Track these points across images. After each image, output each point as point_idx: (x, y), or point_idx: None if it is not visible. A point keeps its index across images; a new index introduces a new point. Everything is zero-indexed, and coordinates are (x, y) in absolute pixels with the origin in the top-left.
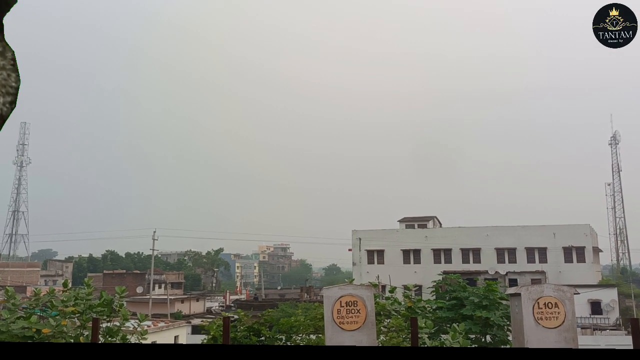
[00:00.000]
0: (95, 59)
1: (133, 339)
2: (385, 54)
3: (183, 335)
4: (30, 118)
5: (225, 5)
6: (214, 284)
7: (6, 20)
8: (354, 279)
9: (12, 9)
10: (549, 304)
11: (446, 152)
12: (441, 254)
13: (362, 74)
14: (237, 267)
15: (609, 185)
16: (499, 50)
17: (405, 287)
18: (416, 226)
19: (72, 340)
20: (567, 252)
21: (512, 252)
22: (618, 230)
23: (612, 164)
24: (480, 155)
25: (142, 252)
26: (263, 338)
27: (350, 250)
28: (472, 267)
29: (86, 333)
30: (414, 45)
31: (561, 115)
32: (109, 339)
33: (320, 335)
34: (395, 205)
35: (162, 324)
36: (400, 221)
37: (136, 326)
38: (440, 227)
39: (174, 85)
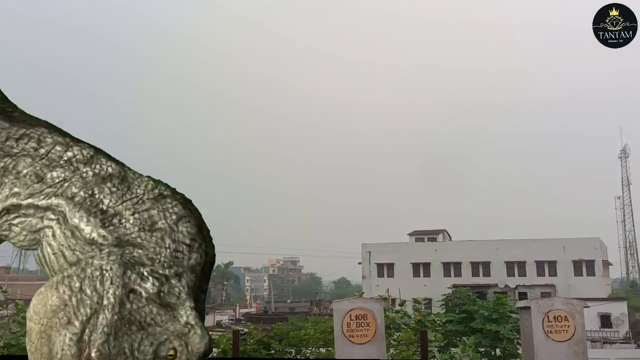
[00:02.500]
0: (104, 72)
1: None
2: (393, 67)
3: None
4: None
5: (234, 18)
6: (223, 297)
7: (19, 34)
8: (363, 292)
9: (25, 23)
10: (559, 317)
11: (455, 164)
12: (451, 267)
13: (371, 86)
14: (247, 280)
15: (619, 198)
16: (507, 62)
17: (415, 301)
18: (426, 239)
19: None
20: (577, 266)
21: (521, 265)
22: (628, 244)
23: (622, 177)
24: (489, 168)
25: None
26: (273, 351)
27: (360, 263)
28: (481, 280)
29: None
30: (423, 58)
31: (570, 128)
32: None
33: (330, 348)
34: (404, 218)
35: None
36: (410, 234)
37: None
38: (450, 240)
39: (183, 97)
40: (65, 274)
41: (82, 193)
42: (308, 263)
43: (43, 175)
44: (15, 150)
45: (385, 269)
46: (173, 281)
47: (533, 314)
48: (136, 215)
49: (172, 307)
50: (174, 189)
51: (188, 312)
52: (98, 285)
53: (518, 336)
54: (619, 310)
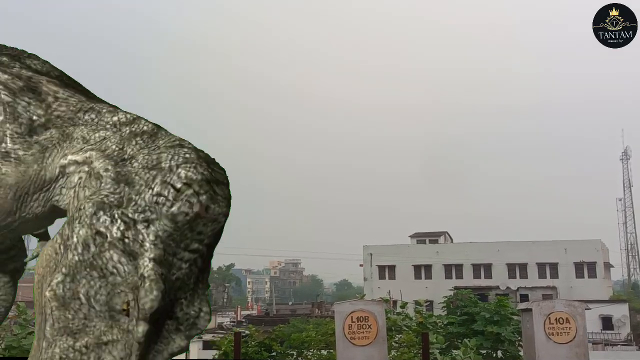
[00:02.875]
0: (105, 72)
1: None
2: (395, 68)
3: (194, 351)
4: None
5: (234, 19)
6: (225, 300)
7: (19, 35)
8: (365, 295)
9: (25, 24)
10: (560, 320)
11: (457, 166)
12: (452, 270)
13: (372, 88)
14: (248, 282)
15: (620, 200)
16: (509, 63)
17: (417, 303)
18: (427, 241)
19: None
20: (579, 268)
21: (523, 267)
22: (629, 246)
23: (623, 179)
24: (491, 169)
25: None
26: (274, 353)
27: (361, 265)
28: (483, 282)
29: None
30: (425, 59)
31: (572, 129)
32: None
33: (331, 350)
34: (406, 219)
35: None
36: (411, 236)
37: None
38: (452, 242)
39: (183, 97)
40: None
41: (114, 146)
42: (309, 265)
43: (89, 137)
44: (80, 121)
45: (387, 271)
46: (139, 227)
47: (534, 316)
48: (147, 157)
49: (134, 256)
50: (202, 151)
51: (145, 264)
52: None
53: (519, 338)
54: (620, 312)
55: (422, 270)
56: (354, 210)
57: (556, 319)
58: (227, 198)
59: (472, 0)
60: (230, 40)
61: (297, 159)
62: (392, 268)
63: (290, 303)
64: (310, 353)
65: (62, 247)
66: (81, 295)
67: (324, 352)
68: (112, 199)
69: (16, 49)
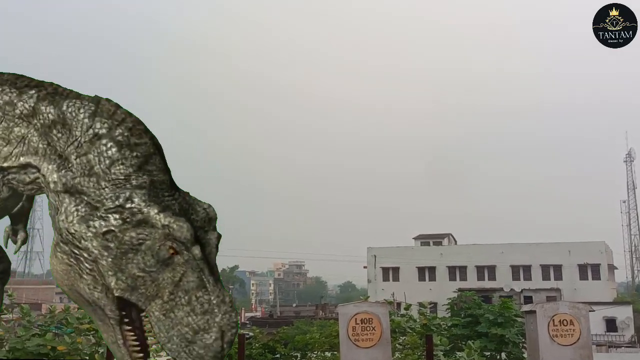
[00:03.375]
0: (104, 72)
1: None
2: (396, 69)
3: None
4: None
5: (235, 19)
6: None
7: (19, 35)
8: (369, 296)
9: (25, 24)
10: (564, 321)
11: (460, 167)
12: (456, 272)
13: (373, 88)
14: (252, 284)
15: (624, 202)
16: (509, 64)
17: (421, 305)
18: (431, 243)
19: (87, 358)
20: (582, 270)
21: (527, 269)
22: (633, 248)
23: (627, 181)
24: (494, 171)
25: None
26: (278, 355)
27: (365, 267)
28: (487, 284)
29: (101, 350)
30: (426, 60)
31: (574, 131)
32: None
33: (335, 352)
34: (410, 221)
35: None
36: (415, 238)
37: (152, 343)
38: (456, 244)
39: (184, 98)
40: (53, 242)
41: (41, 145)
42: (313, 267)
43: (7, 137)
44: None
45: (391, 273)
46: (128, 205)
47: (538, 318)
48: (77, 160)
49: (145, 221)
50: (113, 113)
51: (158, 217)
52: (81, 244)
53: (523, 340)
54: (624, 314)
55: (426, 272)
56: (358, 212)
57: (560, 321)
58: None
59: (472, 0)
60: (230, 40)
61: (297, 159)
62: (396, 270)
63: (294, 305)
64: (314, 355)
65: (74, 260)
66: (137, 273)
67: (328, 354)
68: (84, 210)
69: None
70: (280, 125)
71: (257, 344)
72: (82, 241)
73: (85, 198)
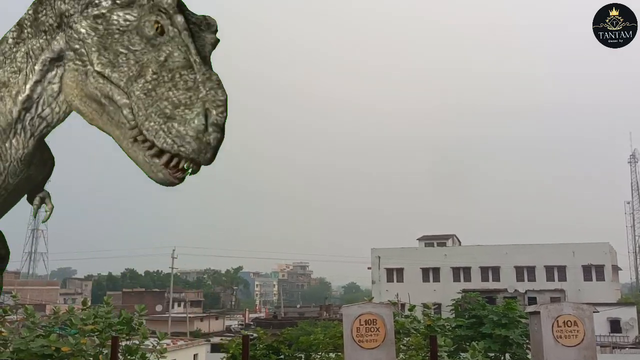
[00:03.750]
0: None
1: (152, 358)
2: (396, 69)
3: (202, 354)
4: (49, 137)
5: (236, 19)
6: (233, 302)
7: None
8: (373, 297)
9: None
10: (568, 322)
11: (464, 169)
12: (460, 273)
13: (373, 88)
14: (256, 285)
15: (628, 203)
16: (513, 65)
17: (425, 306)
18: (435, 244)
19: (91, 359)
20: (587, 271)
21: (531, 270)
22: (637, 249)
23: (632, 182)
24: (498, 172)
25: (162, 271)
26: (282, 356)
27: (369, 268)
28: (491, 285)
29: (105, 351)
30: (429, 61)
31: (578, 132)
32: (129, 357)
33: (339, 353)
34: (414, 223)
35: (182, 342)
36: (419, 239)
37: (155, 344)
38: (460, 245)
39: None
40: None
41: (41, 41)
42: (317, 268)
43: (17, 68)
44: None
45: (395, 274)
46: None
47: (542, 319)
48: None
49: (133, 1)
50: None
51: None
52: (75, 30)
53: (527, 341)
54: (628, 315)
55: (430, 273)
56: (361, 212)
57: (564, 322)
58: None
59: (473, 0)
60: (230, 40)
61: (297, 159)
62: (400, 271)
63: (298, 306)
64: (319, 356)
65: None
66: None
67: (332, 354)
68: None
69: None
70: (280, 125)
71: (261, 345)
72: (76, 27)
73: None
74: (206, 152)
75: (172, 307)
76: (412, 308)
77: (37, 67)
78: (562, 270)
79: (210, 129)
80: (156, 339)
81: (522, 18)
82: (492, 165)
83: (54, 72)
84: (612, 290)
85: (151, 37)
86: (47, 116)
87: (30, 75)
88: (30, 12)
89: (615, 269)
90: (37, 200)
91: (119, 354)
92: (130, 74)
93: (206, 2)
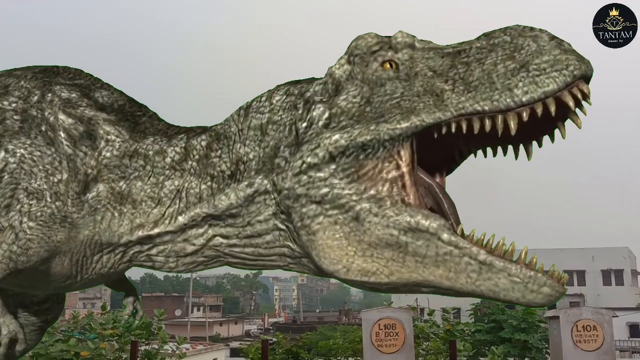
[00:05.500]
0: (127, 80)
1: None
2: None
3: (222, 358)
4: None
5: (257, 27)
6: (252, 307)
7: (43, 43)
8: (392, 302)
9: (50, 32)
10: (588, 327)
11: (483, 173)
12: None
13: None
14: (276, 290)
15: None
16: None
17: (444, 310)
18: None
19: None
20: (606, 275)
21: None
22: None
23: None
24: (517, 176)
25: (181, 275)
26: None
27: None
28: None
29: (125, 356)
30: None
31: (598, 136)
32: None
33: (358, 358)
34: None
35: (201, 346)
36: None
37: (175, 349)
38: None
39: (208, 106)
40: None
41: (203, 186)
42: None
43: (157, 195)
44: (130, 171)
45: None
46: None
47: (562, 323)
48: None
49: None
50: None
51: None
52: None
53: (547, 346)
54: None
55: None
56: None
57: (583, 326)
58: None
59: (471, 1)
60: (254, 48)
61: None
62: None
63: (317, 310)
64: None
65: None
66: None
67: (351, 359)
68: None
69: (91, 77)
70: None
71: (280, 350)
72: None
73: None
74: (583, 60)
75: (192, 312)
76: (431, 313)
77: (180, 219)
78: (581, 274)
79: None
80: (175, 344)
81: (522, 18)
82: (513, 169)
83: (201, 230)
84: (632, 294)
85: None
86: (156, 262)
87: (166, 221)
88: (202, 144)
89: (635, 273)
90: (130, 307)
91: (138, 359)
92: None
93: (230, 10)
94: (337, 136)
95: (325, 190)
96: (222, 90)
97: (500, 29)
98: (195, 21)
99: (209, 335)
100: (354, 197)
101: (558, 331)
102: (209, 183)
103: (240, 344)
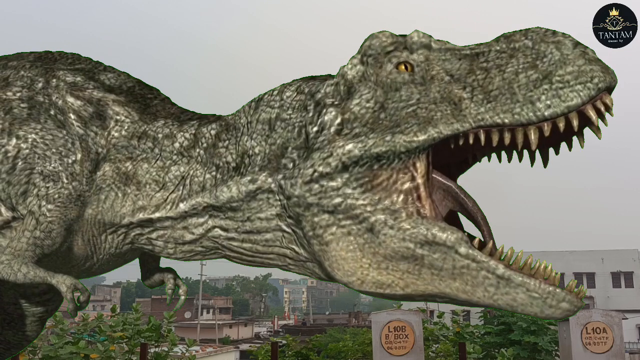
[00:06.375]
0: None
1: None
2: None
3: None
4: None
5: (269, 30)
6: (262, 309)
7: (57, 47)
8: (402, 304)
9: (64, 36)
10: (597, 329)
11: (493, 176)
12: None
13: None
14: (285, 292)
15: None
16: None
17: (454, 312)
18: None
19: None
20: (615, 277)
21: (560, 277)
22: None
23: None
24: (527, 179)
25: (191, 277)
26: None
27: None
28: None
29: (134, 358)
30: None
31: (607, 139)
32: None
33: None
34: None
35: (210, 349)
36: None
37: (184, 351)
38: None
39: (219, 109)
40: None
41: (207, 175)
42: None
43: (162, 179)
44: (137, 152)
45: None
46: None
47: (571, 326)
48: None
49: None
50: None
51: None
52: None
53: (557, 348)
54: None
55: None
56: None
57: (593, 328)
58: None
59: (471, 1)
60: (266, 51)
61: None
62: None
63: (327, 313)
64: None
65: None
66: None
67: None
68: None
69: (91, 60)
70: None
71: (290, 352)
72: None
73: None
74: (607, 71)
75: (201, 314)
76: (440, 315)
77: (181, 206)
78: (590, 277)
79: (588, 52)
80: (185, 346)
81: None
82: (522, 172)
83: (201, 220)
84: None
85: None
86: (156, 247)
87: (167, 207)
88: (212, 132)
89: None
90: (170, 283)
91: None
92: None
93: (243, 14)
94: (350, 146)
95: (338, 200)
96: (233, 92)
97: (521, 31)
98: (206, 24)
99: (218, 338)
100: (369, 208)
101: (568, 333)
102: (214, 173)
103: (250, 346)
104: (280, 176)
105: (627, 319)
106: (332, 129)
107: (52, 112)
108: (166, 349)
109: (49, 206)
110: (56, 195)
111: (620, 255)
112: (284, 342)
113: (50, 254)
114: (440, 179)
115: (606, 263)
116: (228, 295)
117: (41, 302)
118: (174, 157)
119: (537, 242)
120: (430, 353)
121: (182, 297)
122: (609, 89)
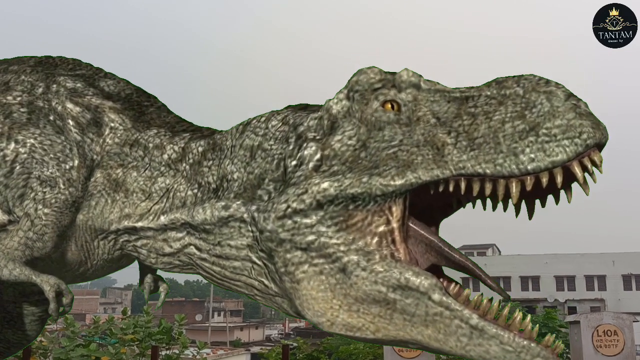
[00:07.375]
0: (147, 85)
1: None
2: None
3: None
4: None
5: (278, 32)
6: (273, 312)
7: (66, 50)
8: None
9: (73, 38)
10: (608, 332)
11: None
12: (500, 282)
13: None
14: None
15: None
16: (556, 77)
17: None
18: (475, 254)
19: None
20: (627, 280)
21: (571, 279)
22: None
23: None
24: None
25: (201, 280)
26: None
27: None
28: (531, 294)
29: None
30: (475, 73)
31: (619, 141)
32: None
33: None
34: (453, 231)
35: (221, 351)
36: (459, 249)
37: (195, 354)
38: (500, 254)
39: (228, 112)
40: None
41: (189, 192)
42: None
43: (148, 189)
44: (129, 159)
45: None
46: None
47: (582, 328)
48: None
49: None
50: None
51: None
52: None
53: (568, 350)
54: None
55: (470, 283)
56: None
57: (604, 331)
58: None
59: (471, 2)
60: (274, 53)
61: None
62: None
63: None
64: None
65: None
66: None
67: None
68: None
69: (92, 66)
70: None
71: (301, 355)
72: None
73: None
74: (598, 126)
75: (212, 317)
76: None
77: (162, 219)
78: (601, 279)
79: (579, 105)
80: (196, 349)
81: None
82: None
83: (180, 235)
84: None
85: None
86: (140, 254)
87: (150, 217)
88: (199, 149)
89: None
90: (149, 279)
91: None
92: None
93: (251, 16)
94: (326, 184)
95: (311, 237)
96: (242, 94)
97: (513, 77)
98: (215, 26)
99: (229, 340)
100: (342, 247)
101: (579, 336)
102: (195, 191)
103: (261, 348)
104: (254, 207)
105: (638, 321)
106: (311, 165)
107: (51, 118)
108: (177, 352)
109: (46, 210)
110: (53, 200)
111: (632, 258)
112: (295, 344)
113: (42, 257)
114: (422, 231)
115: (617, 265)
116: (239, 298)
117: (40, 300)
118: (162, 169)
119: (548, 244)
120: (440, 355)
121: (162, 294)
122: (599, 146)
